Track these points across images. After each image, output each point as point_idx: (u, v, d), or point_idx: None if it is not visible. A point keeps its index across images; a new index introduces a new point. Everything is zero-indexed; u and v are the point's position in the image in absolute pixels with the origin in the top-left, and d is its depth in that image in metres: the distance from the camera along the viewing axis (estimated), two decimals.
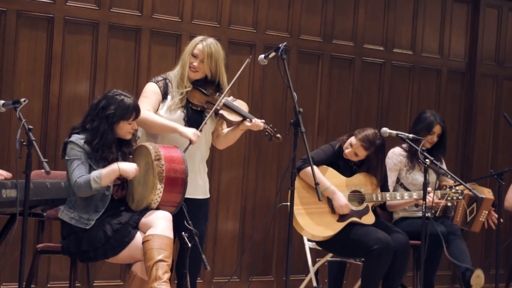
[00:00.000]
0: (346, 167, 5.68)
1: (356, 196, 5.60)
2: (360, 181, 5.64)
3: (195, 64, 5.00)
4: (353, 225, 5.50)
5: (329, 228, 5.48)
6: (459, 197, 5.78)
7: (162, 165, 4.65)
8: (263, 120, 5.05)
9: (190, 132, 4.85)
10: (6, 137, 5.86)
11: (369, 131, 5.56)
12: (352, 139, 5.57)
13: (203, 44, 5.01)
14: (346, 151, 5.60)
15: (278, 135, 5.03)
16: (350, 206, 5.53)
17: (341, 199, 5.50)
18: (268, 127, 5.04)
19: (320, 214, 5.51)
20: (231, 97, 5.11)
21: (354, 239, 5.45)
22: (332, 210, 5.53)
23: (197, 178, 5.06)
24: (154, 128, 4.94)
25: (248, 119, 5.02)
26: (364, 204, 5.60)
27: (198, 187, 5.07)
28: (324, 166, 5.61)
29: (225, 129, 5.19)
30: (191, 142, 4.84)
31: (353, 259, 6.09)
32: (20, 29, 5.89)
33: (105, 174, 4.63)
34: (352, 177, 5.64)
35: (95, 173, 4.62)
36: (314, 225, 5.47)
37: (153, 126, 4.93)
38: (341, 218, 5.52)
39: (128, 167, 4.67)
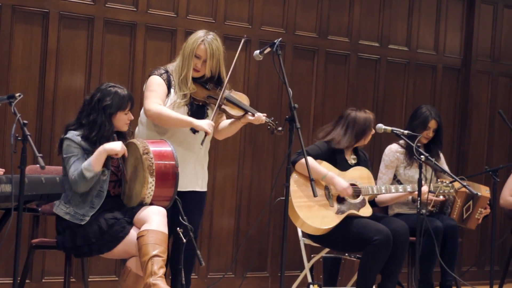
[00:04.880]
0: (342, 162, 5.69)
1: (352, 189, 5.61)
2: (356, 174, 5.66)
3: (198, 65, 5.02)
4: (352, 218, 5.52)
5: (328, 220, 5.49)
6: (450, 190, 5.81)
7: (151, 158, 4.64)
8: (265, 114, 5.06)
9: (205, 124, 4.87)
10: (1, 132, 5.84)
11: (360, 114, 5.77)
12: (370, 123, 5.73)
13: (205, 44, 5.00)
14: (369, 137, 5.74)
15: (280, 128, 5.03)
16: (350, 190, 5.53)
17: (342, 183, 5.52)
18: (270, 121, 5.05)
19: (319, 207, 5.52)
20: (232, 90, 5.12)
21: (354, 232, 5.46)
22: (331, 202, 5.54)
23: (198, 171, 5.07)
24: (169, 123, 4.93)
25: (250, 113, 5.03)
26: (361, 197, 5.62)
27: (198, 180, 5.08)
28: (318, 160, 5.62)
29: (225, 121, 5.20)
30: (206, 134, 4.86)
31: (350, 254, 6.09)
32: (15, 24, 5.87)
33: (94, 159, 4.62)
34: (347, 170, 5.65)
35: (85, 163, 4.62)
36: (313, 218, 5.48)
37: (168, 120, 4.91)
38: (340, 210, 5.53)
39: (113, 144, 4.65)
